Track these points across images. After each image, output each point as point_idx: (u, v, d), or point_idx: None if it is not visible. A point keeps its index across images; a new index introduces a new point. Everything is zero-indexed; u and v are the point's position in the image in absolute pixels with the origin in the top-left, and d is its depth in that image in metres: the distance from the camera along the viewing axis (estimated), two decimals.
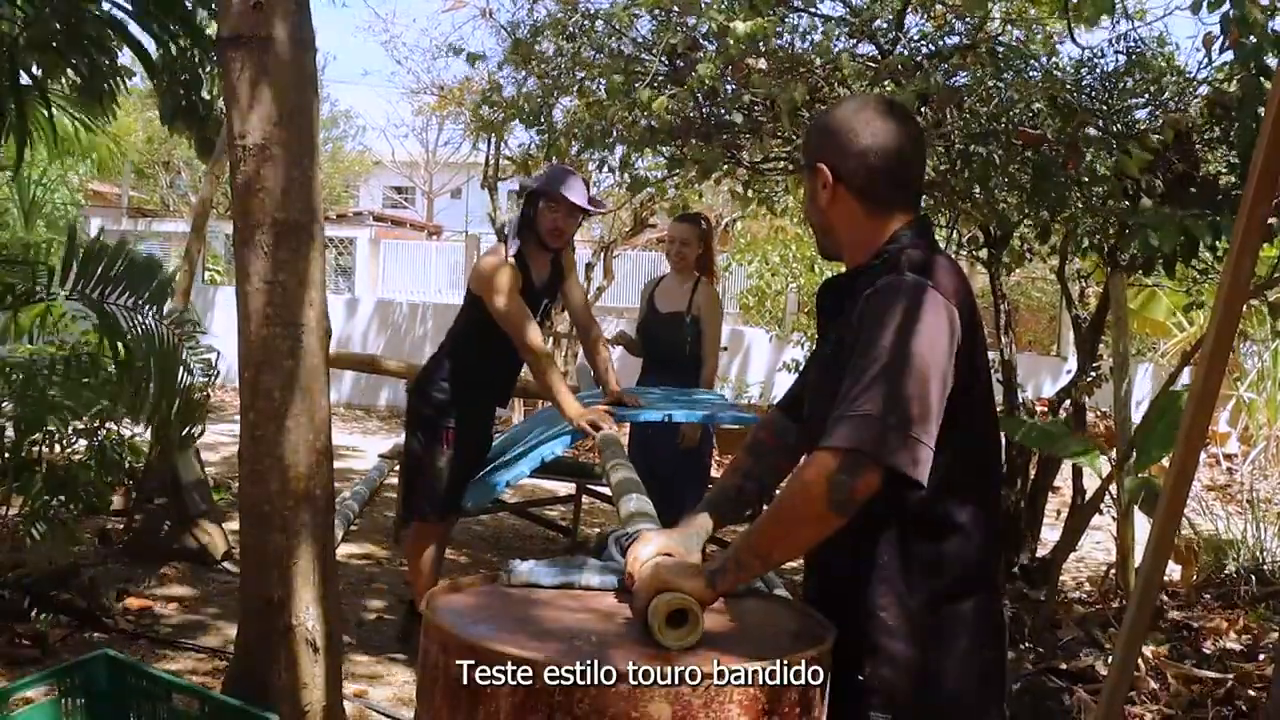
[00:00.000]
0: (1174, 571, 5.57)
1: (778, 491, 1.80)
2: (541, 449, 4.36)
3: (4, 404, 4.57)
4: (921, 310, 1.74)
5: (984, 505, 1.92)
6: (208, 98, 6.09)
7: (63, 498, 4.64)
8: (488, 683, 1.60)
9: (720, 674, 1.58)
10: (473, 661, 1.62)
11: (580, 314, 4.67)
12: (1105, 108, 3.97)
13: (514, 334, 4.17)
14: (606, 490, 5.78)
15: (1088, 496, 5.11)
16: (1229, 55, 3.56)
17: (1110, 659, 3.36)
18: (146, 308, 4.49)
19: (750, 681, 1.60)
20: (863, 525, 1.72)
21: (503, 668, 1.59)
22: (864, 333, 1.75)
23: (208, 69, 5.92)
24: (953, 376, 1.75)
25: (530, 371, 4.39)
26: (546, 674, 1.56)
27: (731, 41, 4.04)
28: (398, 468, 6.83)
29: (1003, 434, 5.21)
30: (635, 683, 1.55)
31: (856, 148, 1.89)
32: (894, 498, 1.71)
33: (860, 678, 1.80)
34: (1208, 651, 4.40)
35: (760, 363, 13.39)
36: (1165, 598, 5.12)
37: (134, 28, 4.87)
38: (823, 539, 1.73)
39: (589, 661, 1.58)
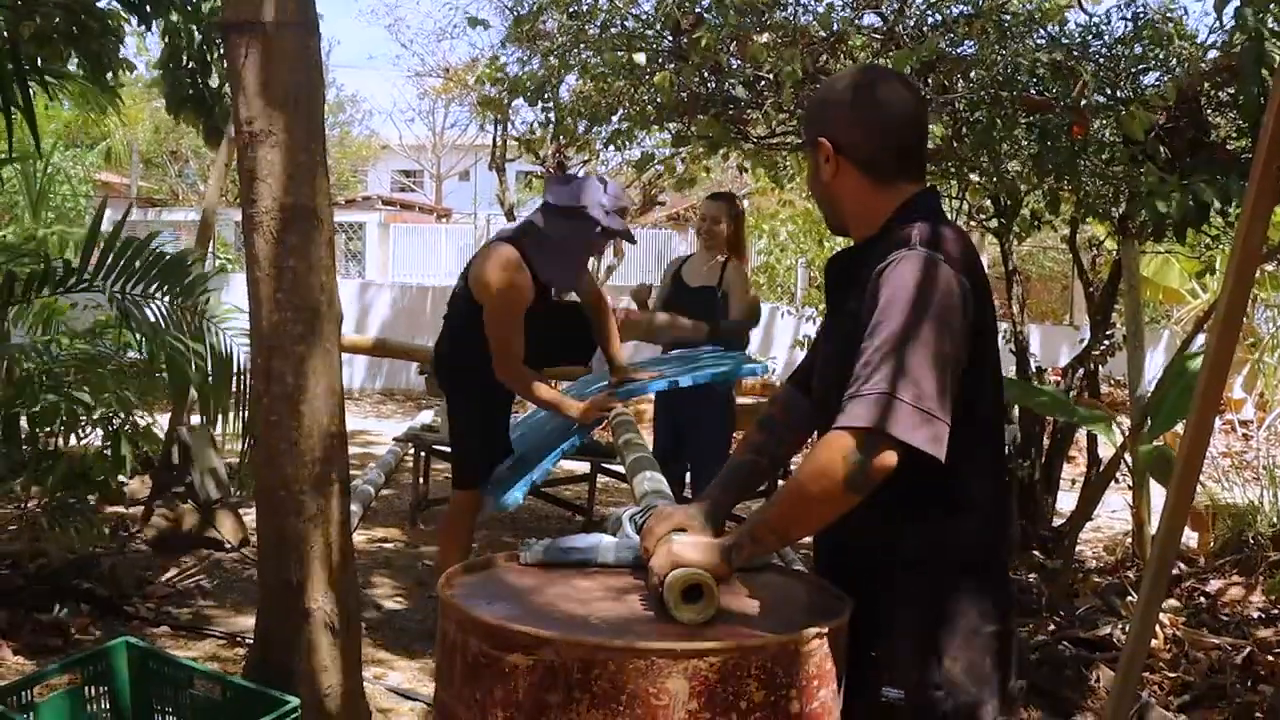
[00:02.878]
0: (1191, 539, 5.56)
1: (794, 468, 1.79)
2: (562, 445, 4.32)
3: (22, 395, 4.60)
4: (933, 284, 1.72)
5: (994, 481, 1.92)
6: (215, 86, 6.10)
7: (80, 488, 4.67)
8: (505, 662, 1.61)
9: (736, 649, 1.59)
10: (490, 640, 1.63)
11: (587, 292, 4.56)
12: (1113, 74, 3.94)
13: (504, 368, 4.05)
14: (621, 469, 5.80)
15: (1103, 465, 5.10)
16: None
17: (1128, 627, 3.36)
18: (179, 301, 4.52)
19: (766, 656, 1.60)
20: (873, 501, 1.71)
21: (521, 647, 1.60)
22: (875, 308, 1.73)
23: (213, 56, 5.93)
24: (965, 351, 1.74)
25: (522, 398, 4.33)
26: (563, 651, 1.57)
27: (731, 10, 4.01)
28: (412, 451, 6.85)
29: (1017, 405, 5.25)
30: (650, 660, 1.55)
31: (857, 119, 1.87)
32: (906, 474, 1.70)
33: (873, 654, 1.81)
34: (1226, 618, 4.40)
35: (774, 339, 13.38)
36: (1182, 565, 5.11)
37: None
38: (839, 517, 1.73)
39: (605, 639, 1.60)
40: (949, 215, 5.35)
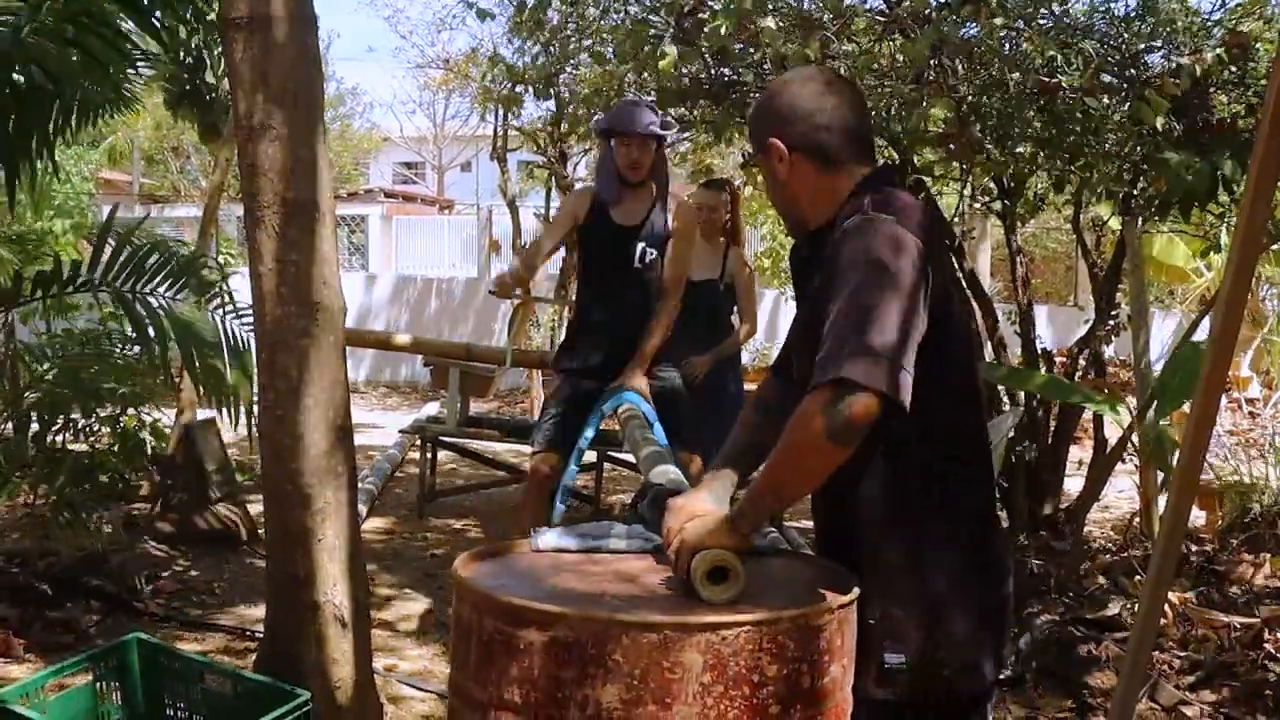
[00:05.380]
0: (1199, 517, 5.56)
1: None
2: (579, 441, 4.26)
3: (28, 393, 4.60)
4: (886, 242, 1.79)
5: (975, 446, 1.99)
6: (212, 81, 6.09)
7: (88, 486, 4.68)
8: (520, 639, 1.62)
9: (750, 624, 1.61)
10: (505, 619, 1.65)
11: (662, 281, 4.38)
12: (1119, 54, 3.92)
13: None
14: (626, 457, 5.80)
15: (1109, 446, 5.09)
16: None
17: (1136, 606, 3.36)
18: (188, 298, 4.53)
19: (779, 630, 1.63)
20: (863, 471, 1.81)
21: (536, 623, 1.61)
22: (835, 274, 1.80)
23: (213, 52, 5.92)
24: (926, 307, 1.79)
25: None
26: (577, 627, 1.59)
27: None
28: (419, 443, 6.86)
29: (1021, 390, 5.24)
30: (664, 634, 1.57)
31: (800, 113, 1.98)
32: (892, 443, 1.79)
33: (871, 621, 1.85)
34: (1235, 596, 4.39)
35: (782, 323, 13.39)
36: (1190, 544, 5.10)
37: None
38: (830, 472, 1.77)
39: (619, 614, 1.62)
40: (953, 200, 5.36)
